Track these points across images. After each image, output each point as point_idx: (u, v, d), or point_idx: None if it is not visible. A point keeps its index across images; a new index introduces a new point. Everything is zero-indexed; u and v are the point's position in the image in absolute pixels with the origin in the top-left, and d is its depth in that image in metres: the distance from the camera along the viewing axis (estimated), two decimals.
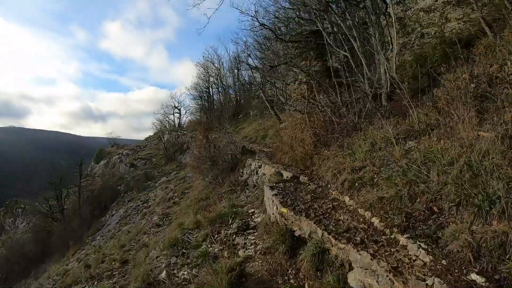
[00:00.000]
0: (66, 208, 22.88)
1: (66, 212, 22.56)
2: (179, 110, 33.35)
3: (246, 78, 26.80)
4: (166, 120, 33.98)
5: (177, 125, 33.14)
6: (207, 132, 12.25)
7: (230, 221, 4.88)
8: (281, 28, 9.75)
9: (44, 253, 19.57)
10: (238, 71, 29.32)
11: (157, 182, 19.67)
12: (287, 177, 5.31)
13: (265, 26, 9.24)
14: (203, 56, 42.89)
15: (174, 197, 14.61)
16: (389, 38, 6.22)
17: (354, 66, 7.09)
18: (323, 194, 4.52)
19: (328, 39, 7.62)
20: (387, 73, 6.25)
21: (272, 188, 4.75)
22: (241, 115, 24.64)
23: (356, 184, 4.10)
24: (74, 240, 18.11)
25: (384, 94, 6.42)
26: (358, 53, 6.47)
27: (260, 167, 6.50)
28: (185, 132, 25.15)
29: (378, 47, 6.21)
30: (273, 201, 4.31)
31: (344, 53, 6.72)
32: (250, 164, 7.22)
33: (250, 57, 16.15)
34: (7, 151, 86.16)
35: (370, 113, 6.05)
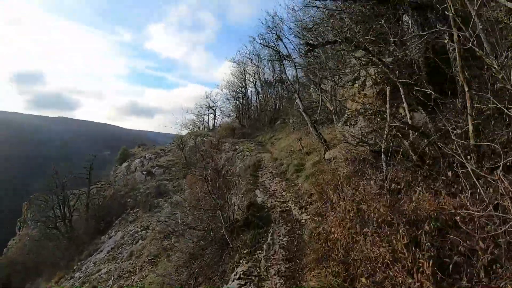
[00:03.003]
0: (77, 215, 20.00)
1: (75, 219, 19.64)
2: (214, 111, 30.08)
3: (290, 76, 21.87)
4: (200, 121, 31.01)
5: (211, 127, 29.98)
6: (217, 157, 7.94)
7: None
8: None
9: (44, 265, 16.59)
10: (281, 66, 24.59)
11: (168, 201, 16.21)
12: None
13: None
14: (239, 51, 36.81)
15: (171, 237, 10.64)
16: None
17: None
18: None
19: None
20: None
21: None
22: (279, 121, 20.02)
23: None
24: (67, 259, 15.48)
25: None
26: None
27: None
28: (211, 138, 21.36)
29: None
30: None
31: None
32: None
33: (281, 40, 11.29)
34: (54, 140, 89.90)
35: None
